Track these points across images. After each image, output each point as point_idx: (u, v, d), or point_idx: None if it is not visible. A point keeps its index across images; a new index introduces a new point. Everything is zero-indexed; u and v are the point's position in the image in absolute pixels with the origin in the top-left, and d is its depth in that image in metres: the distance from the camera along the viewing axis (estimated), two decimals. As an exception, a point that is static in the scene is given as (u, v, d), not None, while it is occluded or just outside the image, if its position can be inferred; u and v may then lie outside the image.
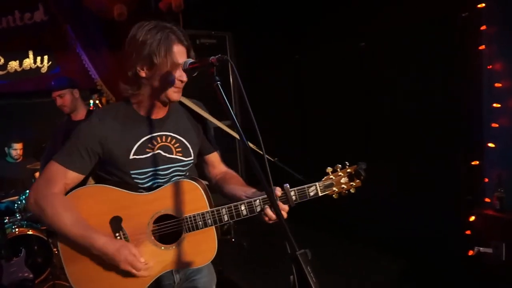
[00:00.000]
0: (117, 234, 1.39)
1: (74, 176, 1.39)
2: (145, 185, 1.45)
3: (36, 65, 4.28)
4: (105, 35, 4.25)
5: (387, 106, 3.60)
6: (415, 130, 3.34)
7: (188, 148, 1.52)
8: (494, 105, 2.91)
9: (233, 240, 3.99)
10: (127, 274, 1.37)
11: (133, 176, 1.41)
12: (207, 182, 1.69)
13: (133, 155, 1.41)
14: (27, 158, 4.34)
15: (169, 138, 1.48)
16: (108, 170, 1.43)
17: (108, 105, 1.41)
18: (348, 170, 1.45)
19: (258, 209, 1.39)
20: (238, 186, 1.54)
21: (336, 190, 1.45)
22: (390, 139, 3.60)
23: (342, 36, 3.91)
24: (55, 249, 3.56)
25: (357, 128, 3.89)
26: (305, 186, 1.42)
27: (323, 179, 1.45)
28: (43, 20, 4.12)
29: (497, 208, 2.84)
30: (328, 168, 1.46)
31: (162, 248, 1.42)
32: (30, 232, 3.50)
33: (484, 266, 2.87)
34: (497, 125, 2.91)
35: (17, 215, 3.69)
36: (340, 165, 1.46)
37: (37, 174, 4.18)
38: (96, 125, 1.40)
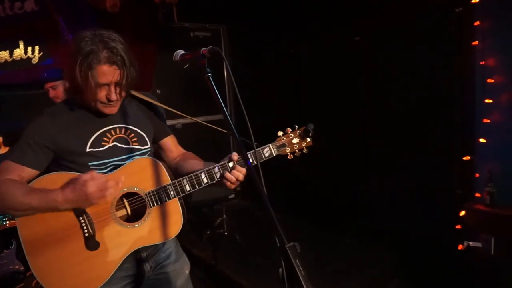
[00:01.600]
0: (80, 218, 1.38)
1: (29, 172, 1.38)
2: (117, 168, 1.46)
3: (27, 56, 4.21)
4: (97, 26, 4.18)
5: (380, 101, 3.61)
6: (407, 124, 3.35)
7: (144, 136, 1.56)
8: (486, 100, 2.92)
9: (226, 234, 4.00)
10: (93, 256, 1.37)
11: (92, 167, 1.42)
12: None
13: (89, 148, 1.42)
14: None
15: (123, 130, 1.51)
16: (66, 165, 1.42)
17: (61, 101, 1.45)
18: (298, 132, 1.60)
19: (218, 175, 1.45)
20: (197, 163, 1.60)
21: (289, 150, 1.58)
22: (382, 133, 3.61)
23: (337, 30, 3.90)
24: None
25: (352, 122, 3.90)
26: (260, 147, 1.52)
27: (275, 140, 1.57)
28: (33, 10, 4.05)
29: (487, 203, 2.87)
30: (279, 131, 1.59)
31: (128, 226, 1.43)
32: (21, 225, 3.48)
33: (473, 260, 2.91)
34: (488, 121, 2.92)
35: (8, 208, 3.67)
36: (290, 128, 1.60)
37: None
38: (45, 122, 1.40)
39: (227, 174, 1.43)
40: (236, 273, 3.38)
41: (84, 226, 1.37)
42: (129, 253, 1.44)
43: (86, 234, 1.37)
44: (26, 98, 4.60)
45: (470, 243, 2.92)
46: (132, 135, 1.52)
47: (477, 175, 3.02)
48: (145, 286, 1.56)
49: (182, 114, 1.74)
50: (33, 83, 4.10)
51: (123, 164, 1.47)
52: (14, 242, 3.35)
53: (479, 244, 2.89)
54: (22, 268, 3.33)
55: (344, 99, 3.94)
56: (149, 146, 1.57)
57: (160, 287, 1.57)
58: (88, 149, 1.42)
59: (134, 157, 1.50)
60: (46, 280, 1.37)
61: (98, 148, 1.43)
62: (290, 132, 1.59)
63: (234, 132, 1.15)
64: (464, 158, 3.03)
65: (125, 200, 1.45)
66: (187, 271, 1.69)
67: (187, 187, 1.45)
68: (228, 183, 1.44)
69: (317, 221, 4.11)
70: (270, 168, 1.48)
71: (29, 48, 4.21)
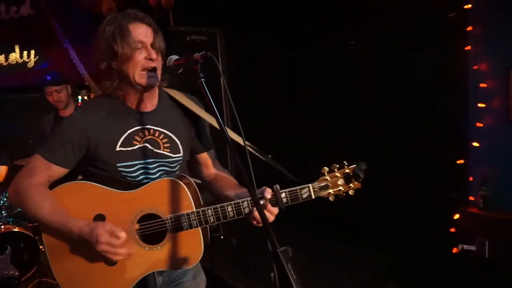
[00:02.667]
0: None
1: (57, 170, 1.37)
2: (136, 179, 1.41)
3: (22, 60, 4.21)
4: (93, 30, 4.20)
5: (374, 105, 3.63)
6: (401, 128, 3.37)
7: (177, 144, 1.46)
8: (479, 105, 2.95)
9: (221, 237, 3.99)
10: (112, 272, 1.36)
11: (120, 169, 1.38)
12: (199, 181, 1.64)
13: (120, 147, 1.37)
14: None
15: (157, 133, 1.43)
16: (96, 165, 1.40)
17: (94, 98, 1.40)
18: (346, 171, 1.33)
19: (246, 211, 1.32)
20: (229, 187, 1.47)
21: (332, 192, 1.34)
22: (377, 137, 3.63)
23: (332, 34, 3.93)
24: (41, 247, 3.52)
25: (347, 126, 3.92)
26: (297, 187, 1.32)
27: (317, 180, 1.33)
28: (29, 14, 4.06)
29: (481, 206, 2.89)
30: (324, 168, 1.33)
31: (147, 248, 1.38)
32: (16, 229, 3.45)
33: (467, 263, 2.93)
34: (481, 125, 2.95)
35: (3, 212, 3.64)
36: (337, 165, 1.33)
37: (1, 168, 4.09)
38: (81, 118, 1.38)
39: (256, 214, 1.27)
40: (232, 277, 3.37)
41: None
42: (145, 274, 1.40)
43: None
44: (22, 101, 4.60)
45: (465, 246, 2.93)
46: (166, 140, 1.44)
47: (470, 178, 3.04)
48: None
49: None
50: (29, 87, 4.11)
51: (150, 168, 1.42)
52: (8, 247, 3.33)
53: (473, 247, 2.91)
54: (17, 273, 3.30)
55: (339, 102, 3.97)
56: (181, 155, 1.47)
57: None
58: (118, 148, 1.37)
59: (162, 163, 1.44)
60: (66, 285, 1.40)
61: (128, 147, 1.38)
62: (337, 170, 1.33)
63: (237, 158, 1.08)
64: (458, 162, 3.06)
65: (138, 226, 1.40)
66: None
67: (211, 219, 1.33)
68: (255, 222, 1.30)
69: (313, 224, 4.11)
70: (263, 171, 1.45)
71: (25, 52, 4.22)
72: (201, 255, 1.40)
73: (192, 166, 1.63)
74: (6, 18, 3.99)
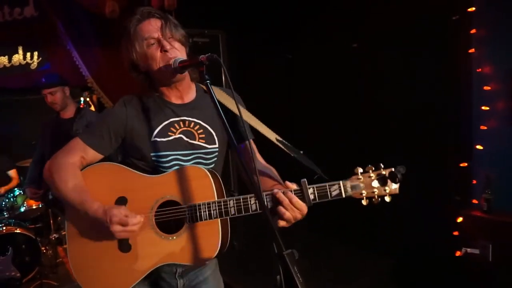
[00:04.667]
0: None
1: (91, 153, 1.42)
2: (169, 170, 1.39)
3: (25, 61, 4.22)
4: (96, 32, 4.21)
5: (377, 108, 3.62)
6: (405, 131, 3.37)
7: (213, 135, 1.46)
8: (483, 107, 2.95)
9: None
10: (123, 259, 1.35)
11: (153, 158, 1.40)
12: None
13: (155, 137, 1.41)
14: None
15: (192, 124, 1.45)
16: (133, 155, 1.45)
17: (134, 93, 1.45)
18: (382, 173, 1.24)
19: (269, 204, 1.23)
20: (269, 180, 1.40)
21: (365, 193, 1.24)
22: (379, 139, 3.62)
23: (334, 37, 3.93)
24: (43, 248, 3.52)
25: (348, 129, 3.91)
26: (327, 183, 1.24)
27: (349, 178, 1.24)
28: (33, 15, 4.07)
29: (485, 209, 2.88)
30: (358, 167, 1.24)
31: (162, 237, 1.34)
32: (18, 231, 3.46)
33: (471, 266, 2.91)
34: (485, 127, 2.94)
35: (5, 213, 3.65)
36: (372, 166, 1.25)
37: (11, 172, 4.11)
38: (121, 110, 1.44)
39: (281, 208, 1.20)
40: (233, 279, 3.36)
41: None
42: (157, 266, 1.36)
43: None
44: (24, 102, 4.62)
45: (468, 249, 2.92)
46: (201, 130, 1.45)
47: (474, 181, 3.03)
48: None
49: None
50: (31, 88, 4.12)
51: (185, 159, 1.42)
52: (10, 248, 3.33)
53: (476, 251, 2.89)
54: (18, 274, 3.30)
55: (340, 105, 3.97)
56: (216, 146, 1.46)
57: None
58: (153, 138, 1.40)
59: (198, 154, 1.44)
60: (78, 272, 1.41)
61: (164, 138, 1.41)
62: (372, 171, 1.24)
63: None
64: (461, 165, 3.05)
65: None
66: None
67: (232, 210, 1.27)
68: (280, 220, 1.21)
69: (313, 228, 4.10)
70: (285, 168, 1.43)
71: (28, 54, 4.22)
72: (217, 251, 1.32)
73: (235, 161, 1.64)
74: (10, 19, 4.00)
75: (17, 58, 4.19)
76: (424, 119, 3.23)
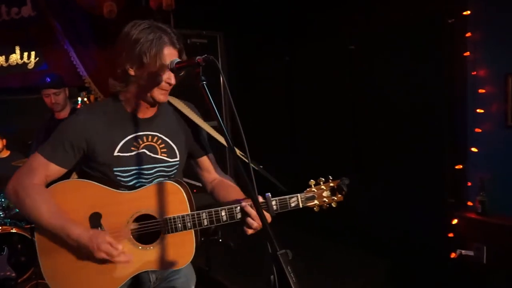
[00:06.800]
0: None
1: (55, 169, 1.40)
2: (128, 184, 1.44)
3: (23, 61, 4.20)
4: (94, 32, 4.21)
5: (373, 109, 3.64)
6: (400, 133, 3.38)
7: (174, 149, 1.51)
8: (478, 110, 2.97)
9: (220, 240, 3.99)
10: (102, 271, 1.38)
11: (116, 173, 1.41)
12: (199, 184, 1.70)
13: (118, 152, 1.41)
14: (12, 155, 4.27)
15: (155, 138, 1.48)
16: (92, 166, 1.43)
17: (95, 102, 1.46)
18: (331, 185, 1.46)
19: (239, 216, 1.39)
20: (232, 194, 1.52)
21: (317, 203, 1.46)
22: (375, 142, 3.64)
23: (332, 39, 3.95)
24: (38, 247, 3.51)
25: (344, 130, 3.93)
26: (287, 196, 1.43)
27: (305, 191, 1.46)
28: (30, 15, 4.05)
29: (479, 211, 2.90)
30: (311, 180, 1.47)
31: (140, 247, 1.41)
32: (13, 231, 3.44)
33: (465, 268, 2.93)
34: (480, 130, 2.97)
35: (1, 213, 3.63)
36: (323, 179, 1.47)
37: None
38: (82, 121, 1.41)
39: (248, 219, 1.36)
40: (229, 280, 3.36)
41: None
42: (136, 274, 1.43)
43: None
44: (21, 102, 4.59)
45: (463, 251, 2.94)
46: (163, 145, 1.49)
47: (469, 183, 3.05)
48: None
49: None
50: (27, 88, 4.10)
51: (147, 173, 1.46)
52: (6, 248, 3.32)
53: (471, 253, 2.91)
54: (13, 274, 3.29)
55: (336, 107, 3.98)
56: (178, 159, 1.52)
57: None
58: (116, 153, 1.41)
59: (160, 168, 1.48)
60: (53, 282, 1.41)
61: (126, 153, 1.42)
62: (323, 183, 1.47)
63: (251, 173, 1.12)
64: (456, 167, 3.07)
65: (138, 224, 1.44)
66: (193, 287, 1.66)
67: (205, 222, 1.40)
68: (248, 229, 1.37)
69: (310, 228, 4.11)
70: (260, 175, 1.48)
71: (25, 54, 4.21)
72: (193, 256, 1.45)
73: (194, 172, 1.67)
74: (7, 19, 3.99)
75: (14, 58, 4.18)
76: (420, 122, 3.25)
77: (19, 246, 3.48)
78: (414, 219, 3.29)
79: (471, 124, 3.01)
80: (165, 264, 1.43)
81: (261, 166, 1.62)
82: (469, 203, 3.04)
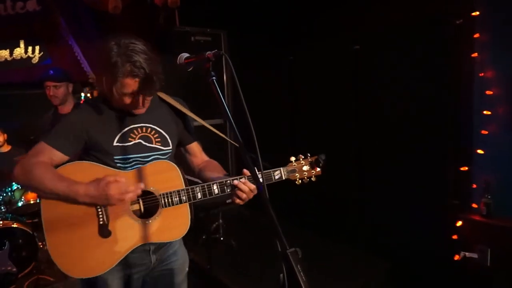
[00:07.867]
0: (97, 207, 1.49)
1: (59, 155, 1.50)
2: (128, 170, 1.57)
3: (27, 55, 4.20)
4: (98, 28, 4.21)
5: (378, 110, 3.62)
6: (405, 134, 3.36)
7: (167, 138, 1.67)
8: (484, 112, 2.95)
9: (221, 239, 3.98)
10: (104, 244, 1.48)
11: (116, 161, 1.54)
12: (197, 180, 1.83)
13: (116, 142, 1.55)
14: (13, 150, 4.26)
15: (149, 129, 1.63)
16: (94, 155, 1.55)
17: (96, 98, 1.62)
18: (310, 160, 1.67)
19: (229, 189, 1.55)
20: (217, 171, 1.71)
21: (298, 176, 1.65)
22: (379, 142, 3.62)
23: (336, 39, 3.93)
24: (40, 243, 3.50)
25: (348, 130, 3.91)
26: (271, 169, 1.60)
27: (286, 165, 1.65)
28: (35, 10, 4.06)
29: (484, 213, 2.88)
30: (292, 157, 1.66)
31: (139, 222, 1.54)
32: (15, 225, 3.43)
33: (469, 271, 2.91)
34: (486, 132, 2.94)
35: (2, 208, 3.62)
36: (302, 156, 1.68)
37: None
38: (83, 115, 1.54)
39: (238, 191, 1.52)
40: (230, 279, 3.35)
41: (100, 214, 1.49)
42: (136, 246, 1.54)
43: (101, 222, 1.48)
44: (25, 97, 4.59)
45: (466, 253, 2.92)
46: (157, 135, 1.64)
47: (474, 185, 3.03)
48: (150, 277, 1.69)
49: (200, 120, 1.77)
50: (31, 83, 4.10)
51: (144, 161, 1.59)
52: (7, 243, 3.31)
53: (475, 255, 2.89)
54: (14, 269, 3.28)
55: (340, 107, 3.96)
56: (170, 148, 1.68)
57: (163, 281, 1.71)
58: (115, 143, 1.54)
59: (155, 156, 1.62)
60: (59, 258, 1.48)
61: (124, 143, 1.55)
62: (302, 159, 1.66)
63: (244, 149, 1.19)
64: (462, 169, 3.05)
65: (140, 199, 1.56)
66: (187, 268, 1.81)
67: (199, 195, 1.55)
68: (237, 200, 1.53)
69: (312, 228, 4.10)
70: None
71: (30, 48, 4.21)
72: (188, 227, 1.61)
73: (183, 158, 1.83)
74: (12, 13, 3.99)
75: (19, 52, 4.18)
76: (425, 123, 3.23)
77: (20, 241, 3.47)
78: (417, 221, 3.27)
79: (477, 126, 2.98)
80: (162, 235, 1.58)
81: (267, 164, 1.74)
82: (474, 205, 3.02)
